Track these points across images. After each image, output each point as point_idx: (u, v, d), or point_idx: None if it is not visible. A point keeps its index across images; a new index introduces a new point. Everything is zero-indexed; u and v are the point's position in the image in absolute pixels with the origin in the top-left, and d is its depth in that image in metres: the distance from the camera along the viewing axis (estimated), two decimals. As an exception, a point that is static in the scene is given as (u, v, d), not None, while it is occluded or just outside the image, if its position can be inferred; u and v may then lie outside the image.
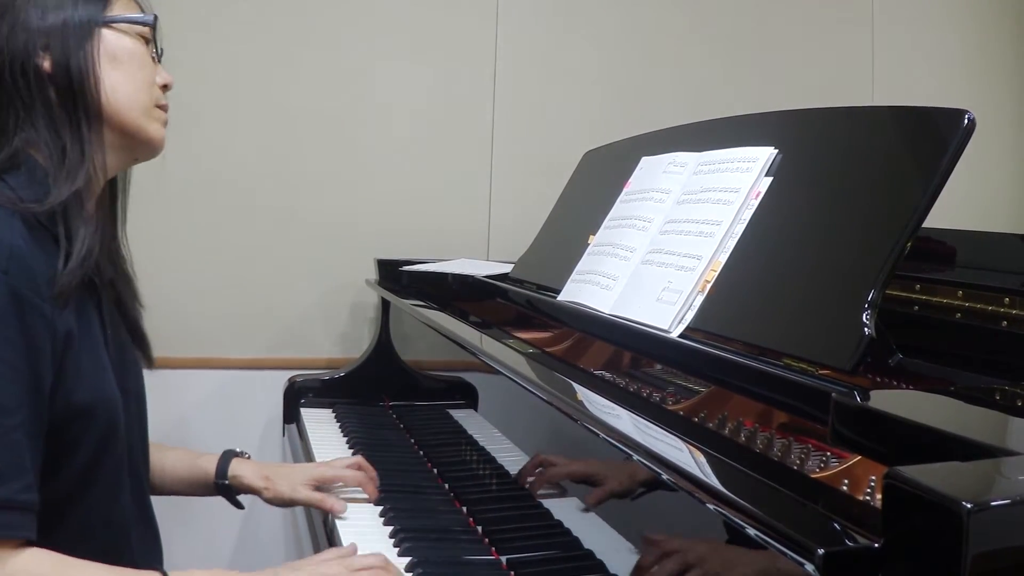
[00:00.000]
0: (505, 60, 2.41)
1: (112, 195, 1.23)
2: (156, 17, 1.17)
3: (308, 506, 1.40)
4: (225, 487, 1.38)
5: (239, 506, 1.42)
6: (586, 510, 1.10)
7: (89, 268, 1.07)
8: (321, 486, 1.39)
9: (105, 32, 1.12)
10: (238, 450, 1.42)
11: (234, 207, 2.22)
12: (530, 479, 1.27)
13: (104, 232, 1.13)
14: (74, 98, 1.09)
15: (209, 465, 1.38)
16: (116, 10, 1.13)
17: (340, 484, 1.41)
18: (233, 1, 2.21)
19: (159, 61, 1.19)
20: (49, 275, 1.02)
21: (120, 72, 1.12)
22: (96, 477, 1.08)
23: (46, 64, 1.08)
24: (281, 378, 2.10)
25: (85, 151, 1.09)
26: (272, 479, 1.37)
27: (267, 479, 1.37)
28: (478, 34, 2.40)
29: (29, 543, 0.97)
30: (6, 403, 0.95)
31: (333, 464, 1.44)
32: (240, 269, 2.24)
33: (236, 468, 1.38)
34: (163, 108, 1.18)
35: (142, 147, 1.17)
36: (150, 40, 1.16)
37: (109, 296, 1.17)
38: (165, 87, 1.18)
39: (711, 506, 0.75)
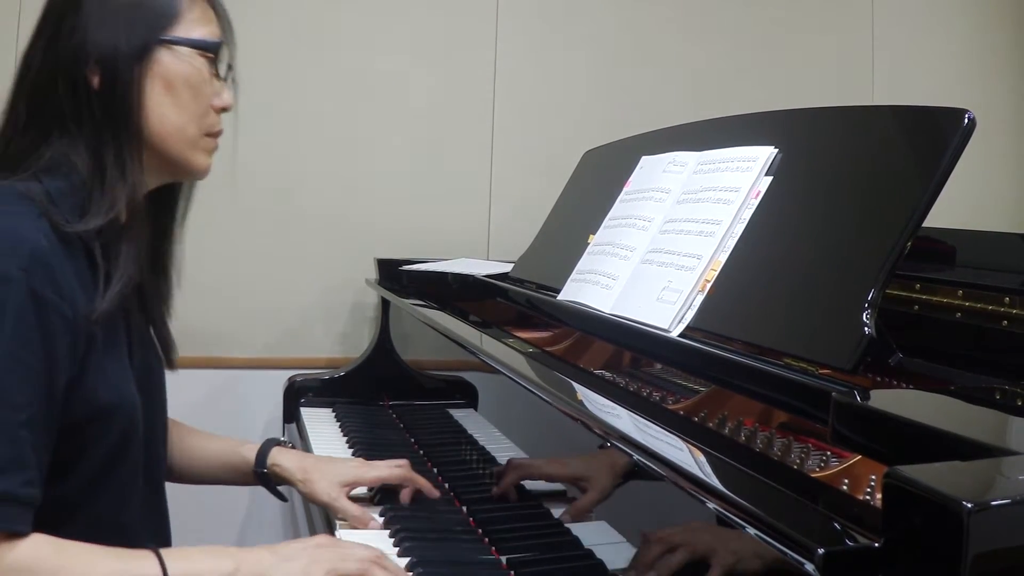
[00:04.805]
0: (505, 60, 2.41)
1: (164, 203, 1.19)
2: (222, 43, 1.11)
3: (343, 518, 1.30)
4: (264, 476, 1.35)
5: (281, 497, 1.39)
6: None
7: (127, 294, 1.05)
8: (361, 487, 1.34)
9: (163, 54, 1.06)
10: (281, 439, 1.38)
11: (233, 206, 2.21)
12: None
13: (141, 247, 1.09)
14: (118, 120, 1.04)
15: (250, 453, 1.36)
16: (183, 26, 1.07)
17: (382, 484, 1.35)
18: (232, 2, 2.21)
19: (225, 79, 1.13)
20: (78, 284, 1.00)
21: (171, 99, 1.07)
22: (109, 480, 1.07)
23: (95, 80, 1.03)
24: (281, 378, 2.10)
25: (126, 174, 1.05)
26: (310, 473, 1.32)
27: (305, 472, 1.32)
28: (478, 34, 2.40)
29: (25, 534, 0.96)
30: (15, 399, 0.94)
31: (375, 464, 1.37)
32: (240, 269, 2.24)
33: (276, 457, 1.35)
34: (215, 135, 1.13)
35: (184, 174, 1.16)
36: (215, 59, 1.10)
37: (135, 301, 1.15)
38: (223, 110, 1.13)
39: (711, 505, 0.75)
